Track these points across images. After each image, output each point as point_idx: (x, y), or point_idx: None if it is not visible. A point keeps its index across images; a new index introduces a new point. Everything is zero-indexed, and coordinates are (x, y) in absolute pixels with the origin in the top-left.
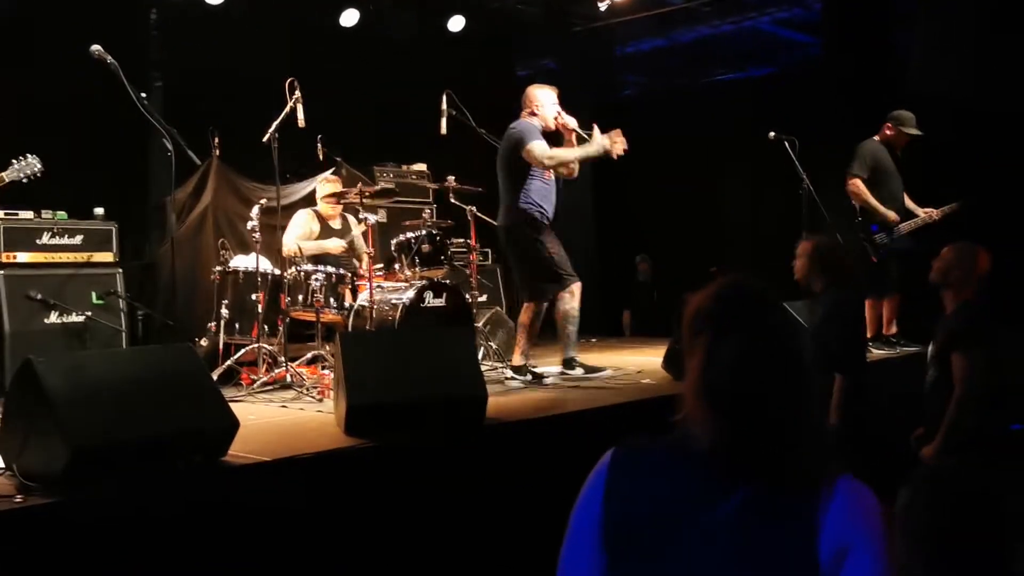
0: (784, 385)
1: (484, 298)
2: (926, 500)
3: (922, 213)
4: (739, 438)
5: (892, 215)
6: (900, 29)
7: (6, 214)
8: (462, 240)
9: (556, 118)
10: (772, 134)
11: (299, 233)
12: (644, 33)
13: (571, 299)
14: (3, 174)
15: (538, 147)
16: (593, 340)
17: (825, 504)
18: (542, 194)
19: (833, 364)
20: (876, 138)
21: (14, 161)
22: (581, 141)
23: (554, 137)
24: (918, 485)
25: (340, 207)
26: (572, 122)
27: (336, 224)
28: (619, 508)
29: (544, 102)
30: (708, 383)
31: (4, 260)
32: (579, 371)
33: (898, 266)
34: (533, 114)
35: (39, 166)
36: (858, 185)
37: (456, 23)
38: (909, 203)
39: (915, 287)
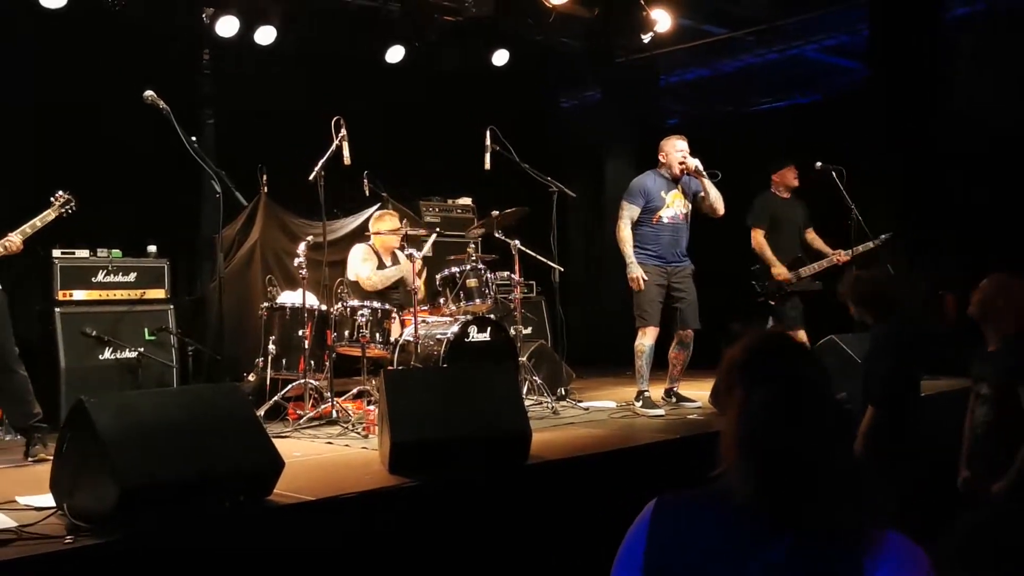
0: (816, 437)
1: (529, 331)
2: (968, 551)
3: (831, 253)
4: (774, 490)
5: (783, 274)
6: (946, 54)
7: (63, 253)
8: (506, 274)
9: (681, 163)
10: (819, 164)
11: (372, 265)
12: (688, 63)
13: (641, 337)
14: (48, 212)
15: (624, 211)
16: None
17: (872, 561)
18: (645, 237)
19: (871, 397)
20: (771, 191)
21: (52, 199)
22: (713, 178)
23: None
24: (961, 535)
25: (398, 241)
26: (694, 163)
27: (388, 260)
28: (662, 559)
29: (669, 150)
30: (742, 435)
31: (61, 298)
32: (637, 404)
33: (798, 303)
34: (661, 163)
35: (72, 201)
36: (758, 237)
37: (500, 57)
38: (820, 245)
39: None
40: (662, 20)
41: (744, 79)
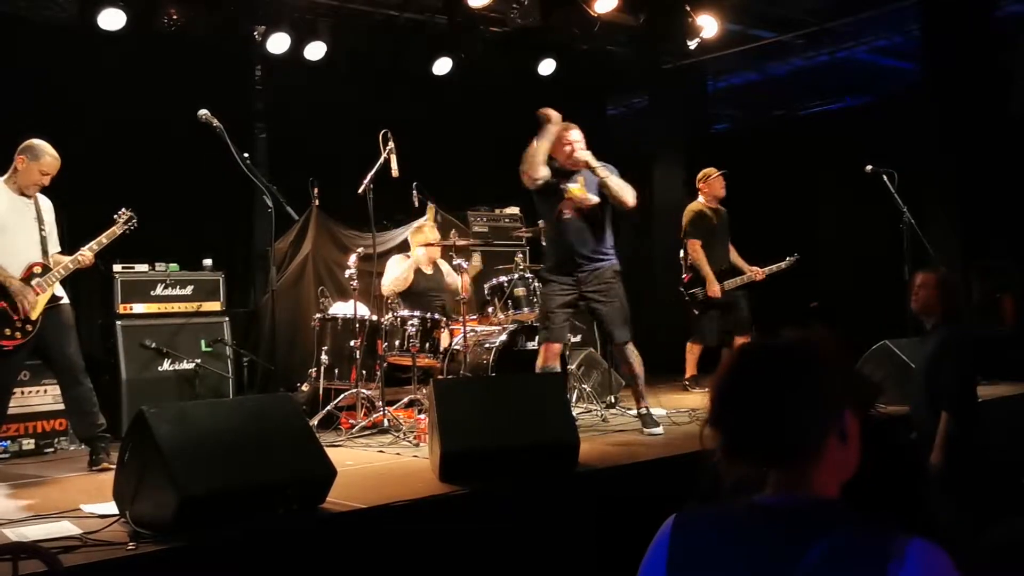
0: (801, 425)
1: (577, 339)
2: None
3: (748, 271)
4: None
5: (716, 288)
6: (1001, 53)
7: (123, 268)
8: None
9: (569, 157)
10: (869, 167)
11: (395, 276)
12: (736, 67)
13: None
14: (113, 228)
15: None
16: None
17: (898, 566)
18: (549, 241)
19: (942, 402)
20: (701, 200)
21: (116, 216)
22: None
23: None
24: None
25: (436, 252)
26: (584, 157)
27: (428, 269)
28: (683, 574)
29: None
30: (727, 437)
31: (122, 312)
32: None
33: (720, 316)
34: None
35: (135, 218)
36: (698, 250)
37: (546, 67)
38: (737, 260)
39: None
40: (708, 26)
41: (794, 82)
